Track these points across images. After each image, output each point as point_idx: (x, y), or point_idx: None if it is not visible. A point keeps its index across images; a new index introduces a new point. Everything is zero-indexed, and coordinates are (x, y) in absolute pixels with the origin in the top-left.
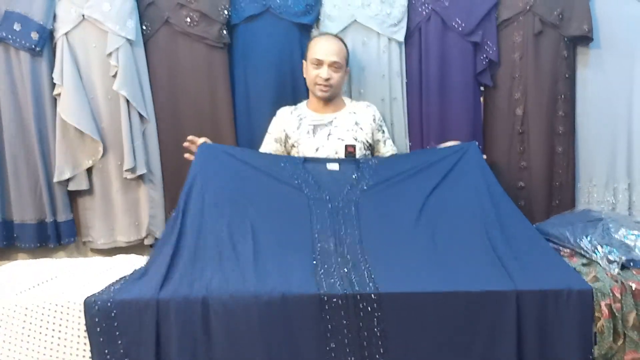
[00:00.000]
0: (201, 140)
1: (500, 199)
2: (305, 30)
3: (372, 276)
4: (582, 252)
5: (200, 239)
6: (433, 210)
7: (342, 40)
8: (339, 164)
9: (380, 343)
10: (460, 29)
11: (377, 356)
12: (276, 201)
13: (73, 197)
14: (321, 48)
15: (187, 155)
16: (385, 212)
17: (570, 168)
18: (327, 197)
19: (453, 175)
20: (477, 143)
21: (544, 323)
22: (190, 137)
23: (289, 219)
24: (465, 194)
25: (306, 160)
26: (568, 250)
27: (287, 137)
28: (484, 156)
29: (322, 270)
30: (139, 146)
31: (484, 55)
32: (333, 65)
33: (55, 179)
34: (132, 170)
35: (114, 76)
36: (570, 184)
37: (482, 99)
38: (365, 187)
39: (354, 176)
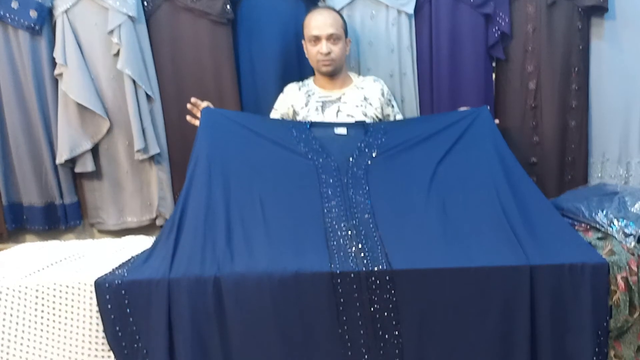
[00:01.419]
0: (204, 103)
1: (512, 166)
2: (311, 3)
3: (385, 252)
4: (598, 226)
5: (208, 214)
6: (444, 178)
7: (335, 10)
8: (347, 128)
9: (392, 315)
10: (471, 0)
11: (390, 332)
12: (283, 170)
13: (81, 179)
14: (315, 23)
15: (189, 117)
16: (396, 179)
17: (583, 143)
18: (335, 164)
19: (464, 141)
20: (488, 107)
21: (558, 298)
22: (193, 100)
23: (297, 189)
24: (477, 160)
25: (313, 125)
26: (583, 225)
27: (294, 113)
28: (497, 121)
29: (335, 246)
30: (148, 126)
31: (496, 28)
32: (331, 37)
33: (57, 161)
34: (144, 150)
35: (116, 55)
36: (583, 159)
37: (493, 73)
38: (374, 154)
39: (362, 142)
